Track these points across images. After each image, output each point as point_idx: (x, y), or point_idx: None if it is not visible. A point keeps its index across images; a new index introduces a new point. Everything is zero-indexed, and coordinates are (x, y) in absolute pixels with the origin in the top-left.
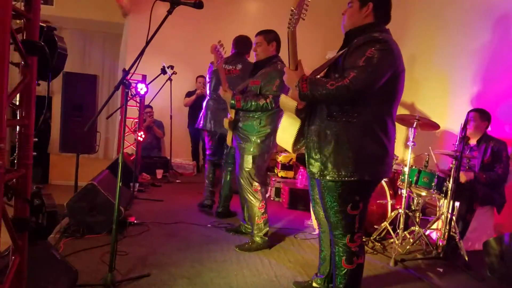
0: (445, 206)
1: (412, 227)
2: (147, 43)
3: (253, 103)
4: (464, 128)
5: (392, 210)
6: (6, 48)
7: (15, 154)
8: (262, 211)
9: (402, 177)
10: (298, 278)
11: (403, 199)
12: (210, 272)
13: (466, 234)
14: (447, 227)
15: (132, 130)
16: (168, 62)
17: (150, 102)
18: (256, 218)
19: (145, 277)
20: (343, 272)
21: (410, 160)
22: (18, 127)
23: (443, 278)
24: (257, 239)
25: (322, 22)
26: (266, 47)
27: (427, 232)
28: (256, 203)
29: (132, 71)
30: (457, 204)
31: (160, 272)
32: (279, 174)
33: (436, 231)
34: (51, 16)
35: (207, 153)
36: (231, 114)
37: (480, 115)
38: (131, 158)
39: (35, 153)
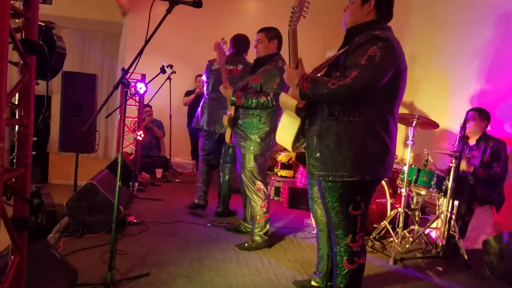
0: (445, 205)
1: (411, 226)
2: (146, 42)
3: (253, 100)
4: (463, 127)
5: (391, 209)
6: (5, 47)
7: (14, 154)
8: (264, 210)
9: (402, 176)
10: (298, 277)
11: (403, 198)
12: (209, 271)
13: (466, 233)
14: (447, 226)
15: (131, 129)
16: (167, 61)
17: (149, 102)
18: (258, 217)
19: (144, 276)
20: (344, 272)
21: (409, 159)
22: (17, 126)
23: (443, 277)
24: (257, 238)
25: (322, 21)
26: (267, 44)
27: (427, 231)
28: (258, 202)
29: (131, 70)
30: (456, 203)
31: (160, 271)
32: (279, 173)
33: (435, 230)
34: (50, 16)
35: (202, 153)
36: (231, 111)
37: (479, 114)
38: (131, 158)
39: (34, 153)
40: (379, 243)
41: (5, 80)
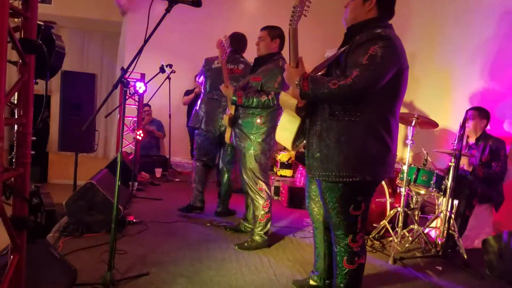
0: (444, 204)
1: (411, 226)
2: (146, 41)
3: (254, 99)
4: (462, 127)
5: (391, 209)
6: (3, 46)
7: (13, 153)
8: (266, 210)
9: (401, 176)
10: (297, 277)
11: (402, 198)
12: (209, 271)
13: (465, 232)
14: (446, 225)
15: (131, 129)
16: (166, 60)
17: (148, 101)
18: (260, 216)
19: (144, 276)
20: (344, 272)
21: (409, 159)
22: (16, 125)
23: (442, 276)
24: (257, 237)
25: (322, 20)
26: (269, 43)
27: (426, 230)
28: (261, 202)
29: (130, 69)
30: (455, 202)
31: (159, 270)
32: (278, 173)
33: (435, 229)
34: (49, 15)
35: (198, 152)
36: (231, 110)
37: (479, 114)
38: (130, 157)
39: (33, 152)
40: (378, 243)
41: (4, 79)
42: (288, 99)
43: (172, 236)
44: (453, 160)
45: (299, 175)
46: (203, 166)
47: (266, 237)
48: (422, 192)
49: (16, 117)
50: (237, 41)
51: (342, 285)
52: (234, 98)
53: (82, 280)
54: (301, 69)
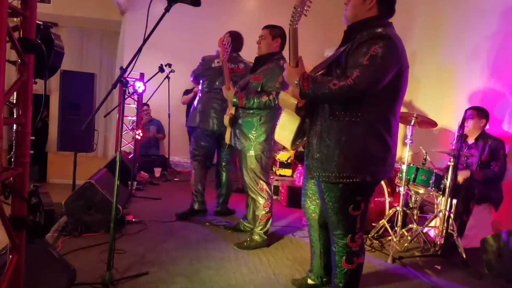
0: (443, 203)
1: (410, 225)
2: (145, 41)
3: (255, 100)
4: (461, 126)
5: (390, 208)
6: (2, 46)
7: (12, 153)
8: (266, 210)
9: (400, 175)
10: (296, 276)
11: (401, 197)
12: (208, 270)
13: (464, 232)
14: (445, 225)
15: (130, 128)
16: (166, 60)
17: (148, 101)
18: (260, 216)
19: (143, 275)
20: (343, 271)
21: (408, 158)
22: (15, 125)
23: (441, 276)
24: (256, 237)
25: (321, 20)
26: (270, 42)
27: (425, 230)
28: (262, 202)
29: (129, 69)
30: (454, 201)
31: (158, 270)
32: (278, 172)
33: (434, 228)
34: (49, 14)
35: (196, 152)
36: (231, 110)
37: (478, 113)
38: (129, 157)
39: (32, 152)
40: (377, 242)
41: (3, 79)
42: (287, 98)
43: (171, 236)
44: (452, 160)
45: (298, 175)
46: (201, 165)
47: (266, 237)
48: (421, 191)
49: (15, 116)
50: (236, 40)
51: (341, 285)
52: (235, 100)
53: (81, 279)
54: (301, 68)
